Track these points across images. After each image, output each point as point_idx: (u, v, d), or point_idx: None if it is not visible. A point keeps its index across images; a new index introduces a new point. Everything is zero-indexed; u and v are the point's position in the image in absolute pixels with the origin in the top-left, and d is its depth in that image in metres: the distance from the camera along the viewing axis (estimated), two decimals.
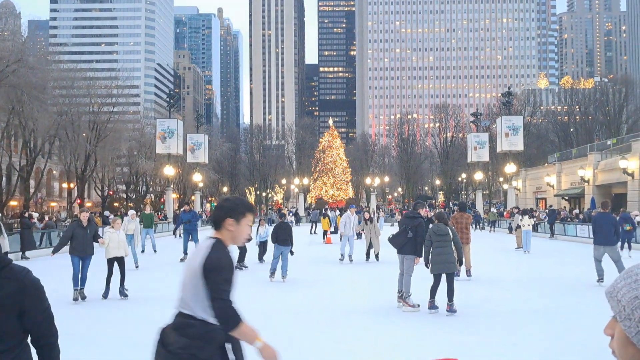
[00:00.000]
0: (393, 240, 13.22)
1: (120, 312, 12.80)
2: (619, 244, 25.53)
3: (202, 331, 3.75)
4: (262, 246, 23.36)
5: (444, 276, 11.95)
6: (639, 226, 30.47)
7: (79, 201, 64.22)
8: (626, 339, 1.57)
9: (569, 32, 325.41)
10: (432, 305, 12.04)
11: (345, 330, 10.69)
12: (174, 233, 39.68)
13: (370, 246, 23.56)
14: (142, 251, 28.01)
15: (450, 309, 11.84)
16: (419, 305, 12.40)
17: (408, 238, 12.85)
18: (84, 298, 13.99)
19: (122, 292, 14.42)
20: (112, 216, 47.13)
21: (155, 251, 28.54)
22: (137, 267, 21.35)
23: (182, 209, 29.78)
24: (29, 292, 3.21)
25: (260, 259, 23.14)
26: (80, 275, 13.97)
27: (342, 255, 23.32)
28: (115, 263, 14.45)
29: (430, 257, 12.20)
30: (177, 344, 3.71)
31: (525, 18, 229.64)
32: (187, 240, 24.70)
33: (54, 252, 14.37)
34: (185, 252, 23.76)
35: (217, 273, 3.75)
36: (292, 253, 17.87)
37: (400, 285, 12.85)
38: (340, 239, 24.55)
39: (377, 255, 23.44)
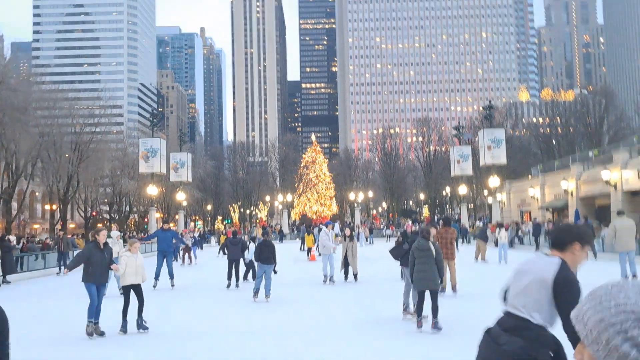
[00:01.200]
0: (392, 251, 14.22)
1: (135, 348, 11.53)
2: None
3: (538, 335, 3.96)
4: (251, 264, 23.27)
5: (428, 293, 11.82)
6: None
7: (60, 224, 63.68)
8: None
9: (547, 45, 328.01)
10: (422, 324, 11.87)
11: (329, 351, 10.62)
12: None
13: (346, 264, 21.94)
14: None
15: (435, 326, 11.66)
16: (420, 317, 12.18)
17: (404, 250, 13.39)
18: (101, 334, 12.27)
19: (141, 325, 12.75)
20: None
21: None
22: (121, 293, 19.70)
23: (161, 227, 24.90)
24: (5, 321, 2.99)
25: (245, 277, 23.08)
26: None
27: (325, 276, 21.94)
28: (132, 291, 12.88)
29: (413, 273, 12.11)
30: (512, 344, 3.88)
31: (504, 32, 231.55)
32: (160, 264, 21.65)
33: (70, 268, 12.90)
34: (157, 278, 21.28)
35: (569, 291, 3.96)
36: (275, 272, 17.68)
37: (405, 297, 13.44)
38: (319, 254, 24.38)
39: (355, 276, 22.04)
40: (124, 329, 12.56)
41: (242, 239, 22.29)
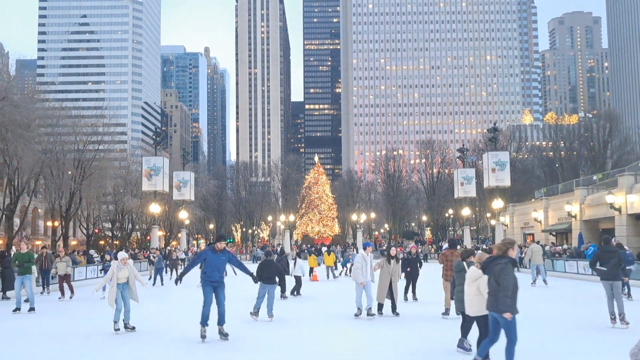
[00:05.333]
0: (609, 271, 15.40)
1: None
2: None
3: None
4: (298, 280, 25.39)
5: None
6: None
7: (62, 241, 63.46)
8: None
9: (551, 69, 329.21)
10: (465, 344, 12.00)
11: None
12: (178, 279, 27.50)
13: (391, 294, 18.16)
14: (16, 310, 19.89)
15: (461, 345, 11.88)
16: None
17: (621, 268, 15.65)
18: None
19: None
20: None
21: (33, 309, 20.08)
22: (131, 328, 15.33)
23: (209, 245, 15.13)
24: None
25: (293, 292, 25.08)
26: None
27: (359, 309, 17.79)
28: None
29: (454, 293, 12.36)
30: None
31: (509, 55, 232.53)
32: (209, 302, 13.82)
33: None
34: (205, 324, 13.75)
35: None
36: (284, 297, 17.50)
37: (611, 307, 15.31)
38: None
39: (394, 308, 18.17)
40: None
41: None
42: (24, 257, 21.07)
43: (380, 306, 17.99)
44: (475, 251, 13.27)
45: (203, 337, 13.58)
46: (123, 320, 15.20)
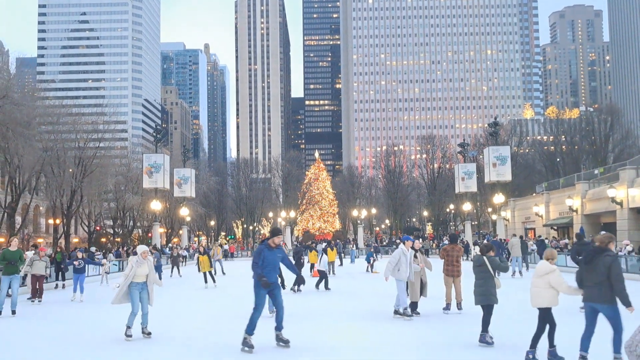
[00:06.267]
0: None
1: None
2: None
3: None
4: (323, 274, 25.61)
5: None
6: (630, 255, 30.47)
7: (63, 238, 63.46)
8: None
9: (552, 63, 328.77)
10: (487, 338, 12.08)
11: None
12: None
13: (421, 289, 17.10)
14: None
15: (483, 339, 11.88)
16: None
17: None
18: None
19: (554, 354, 10.49)
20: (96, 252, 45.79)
21: (13, 312, 18.63)
22: (147, 333, 13.60)
23: (263, 241, 12.87)
24: None
25: (317, 286, 25.54)
26: None
27: (401, 309, 16.07)
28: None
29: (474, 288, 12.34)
30: None
31: (509, 49, 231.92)
32: (262, 305, 12.32)
33: None
34: (251, 332, 11.90)
35: None
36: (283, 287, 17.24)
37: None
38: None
39: (414, 306, 16.71)
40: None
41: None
42: (13, 255, 19.02)
43: (415, 305, 16.56)
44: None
45: (251, 346, 11.65)
46: (140, 325, 13.51)
